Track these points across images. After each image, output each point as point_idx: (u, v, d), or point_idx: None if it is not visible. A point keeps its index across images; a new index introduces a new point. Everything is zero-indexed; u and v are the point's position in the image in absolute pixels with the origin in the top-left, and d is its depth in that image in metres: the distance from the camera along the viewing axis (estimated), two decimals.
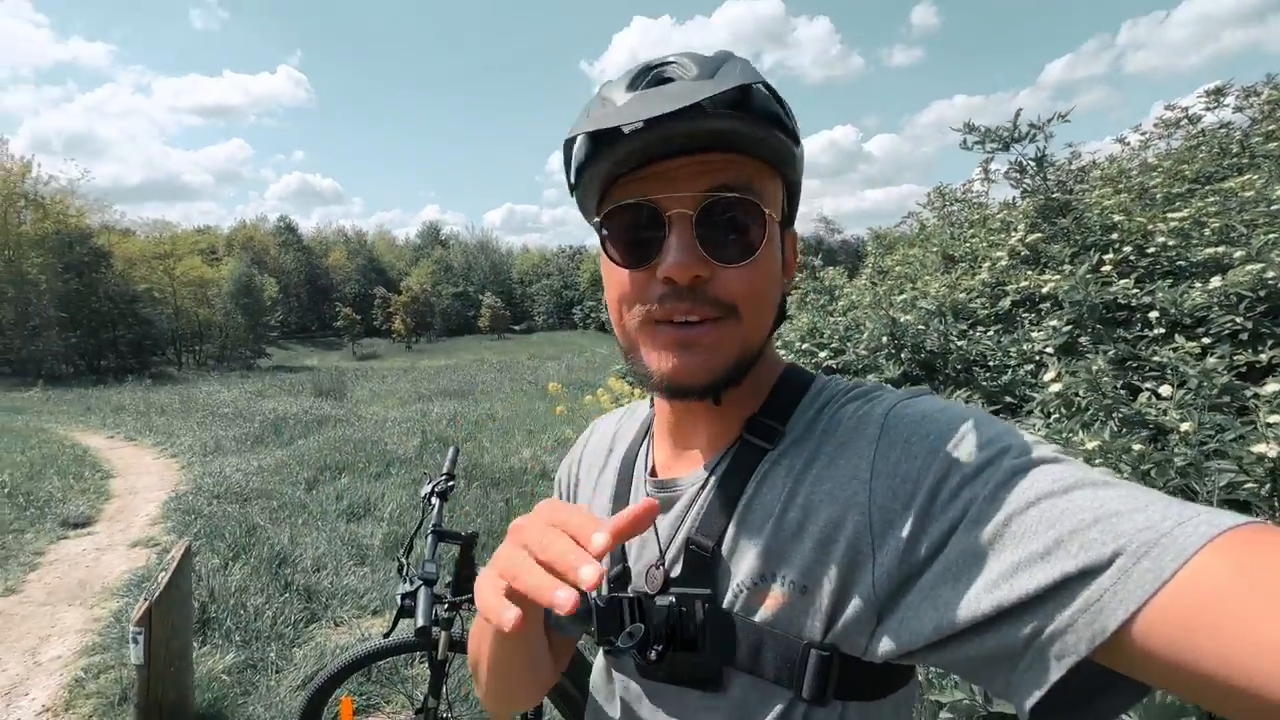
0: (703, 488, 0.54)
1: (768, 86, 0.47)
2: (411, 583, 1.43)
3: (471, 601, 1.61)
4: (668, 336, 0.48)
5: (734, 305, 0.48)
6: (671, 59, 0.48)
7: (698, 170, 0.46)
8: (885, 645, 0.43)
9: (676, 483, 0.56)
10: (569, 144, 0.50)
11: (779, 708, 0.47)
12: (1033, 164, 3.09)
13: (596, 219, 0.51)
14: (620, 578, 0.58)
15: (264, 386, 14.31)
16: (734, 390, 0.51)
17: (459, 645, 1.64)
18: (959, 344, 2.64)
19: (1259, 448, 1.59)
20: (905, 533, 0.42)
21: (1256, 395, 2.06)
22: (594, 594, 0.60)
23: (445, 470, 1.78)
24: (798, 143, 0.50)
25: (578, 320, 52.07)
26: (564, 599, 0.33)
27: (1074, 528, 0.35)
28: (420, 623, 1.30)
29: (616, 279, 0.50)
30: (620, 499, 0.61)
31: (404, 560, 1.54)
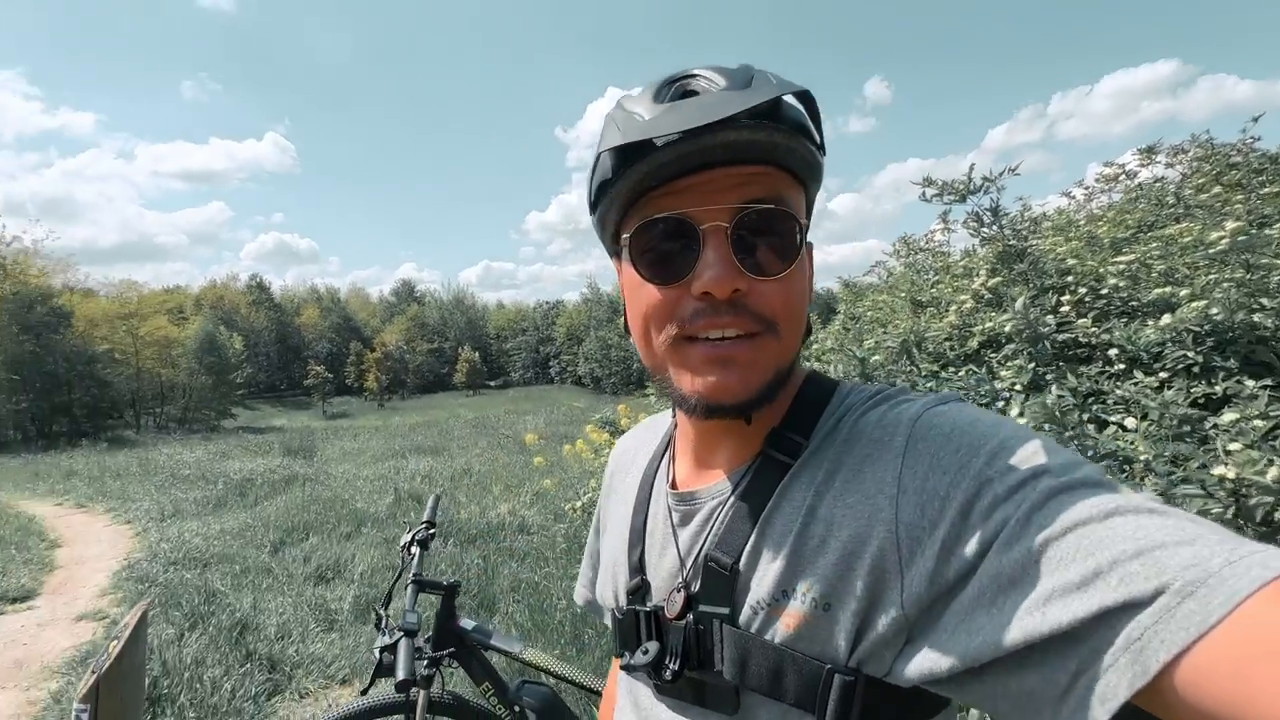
0: (723, 503, 0.52)
1: (804, 95, 0.46)
2: (391, 635, 1.36)
3: (453, 655, 1.54)
4: (703, 354, 0.46)
5: (773, 320, 0.47)
6: (695, 72, 0.47)
7: (731, 183, 0.45)
8: (912, 668, 0.41)
9: (697, 495, 0.55)
10: (596, 160, 0.49)
11: None
12: (988, 214, 3.28)
13: (626, 235, 0.49)
14: (638, 590, 0.56)
15: (229, 447, 13.78)
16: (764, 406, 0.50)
17: (439, 707, 1.56)
18: (927, 385, 2.72)
19: (1219, 470, 1.65)
20: (934, 553, 0.40)
21: (1215, 425, 2.16)
22: (614, 606, 0.60)
23: (426, 518, 1.73)
24: (824, 152, 0.49)
25: (554, 374, 51.84)
26: None
27: (1115, 558, 0.33)
28: (401, 675, 1.23)
29: (644, 297, 0.48)
30: (640, 510, 0.60)
31: (382, 612, 1.47)
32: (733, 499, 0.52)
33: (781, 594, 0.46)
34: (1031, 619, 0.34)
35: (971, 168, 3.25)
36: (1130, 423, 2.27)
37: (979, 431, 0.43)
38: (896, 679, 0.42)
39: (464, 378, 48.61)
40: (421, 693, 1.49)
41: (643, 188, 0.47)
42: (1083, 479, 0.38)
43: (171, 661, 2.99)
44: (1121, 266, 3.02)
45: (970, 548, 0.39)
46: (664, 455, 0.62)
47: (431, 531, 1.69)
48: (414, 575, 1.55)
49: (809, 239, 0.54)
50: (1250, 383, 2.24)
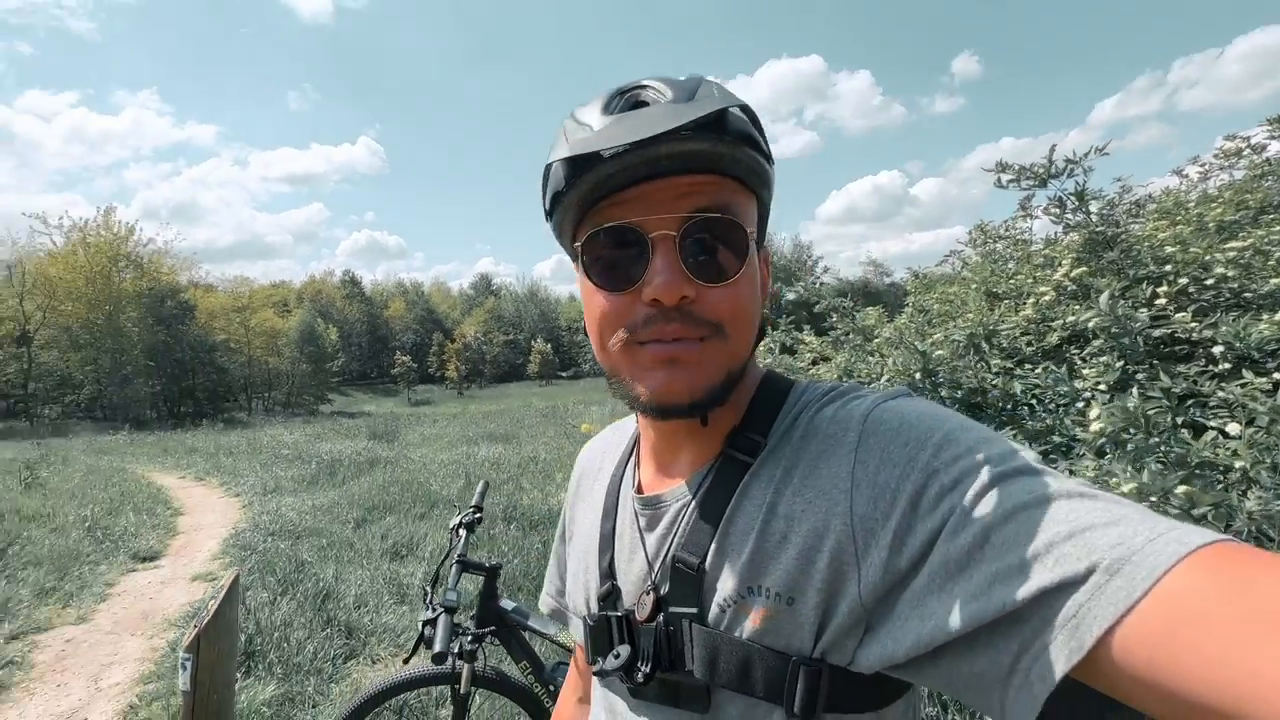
0: (687, 505, 0.53)
1: (745, 108, 0.48)
2: (434, 610, 1.46)
3: (494, 634, 1.62)
4: (654, 354, 0.48)
5: (720, 324, 0.48)
6: (644, 82, 0.49)
7: (678, 192, 0.47)
8: (872, 656, 0.42)
9: (661, 499, 0.56)
10: (547, 170, 0.51)
11: None
12: (1073, 199, 3.02)
13: (576, 244, 0.50)
14: (609, 595, 0.57)
15: (323, 430, 14.97)
16: (718, 408, 0.50)
17: (482, 680, 1.65)
18: (994, 381, 2.55)
19: None
20: (887, 544, 0.42)
21: None
22: (585, 613, 0.61)
23: (474, 503, 1.83)
24: (771, 161, 0.50)
25: None
26: None
27: (1050, 541, 0.35)
28: (437, 648, 1.32)
29: (598, 303, 0.50)
30: (609, 516, 0.61)
31: (429, 589, 1.58)
32: (696, 500, 0.52)
33: (747, 590, 0.47)
34: (978, 603, 0.36)
35: (1053, 149, 3.00)
36: (1234, 428, 2.03)
37: (925, 425, 0.44)
38: (859, 667, 0.43)
39: (537, 368, 50.15)
40: (466, 666, 1.59)
41: (593, 197, 0.48)
42: (1021, 467, 0.40)
43: (265, 622, 3.33)
44: (1233, 254, 2.69)
45: (920, 537, 0.40)
46: (629, 460, 0.63)
47: (479, 516, 1.79)
48: (459, 556, 1.65)
49: (765, 246, 0.54)
50: None
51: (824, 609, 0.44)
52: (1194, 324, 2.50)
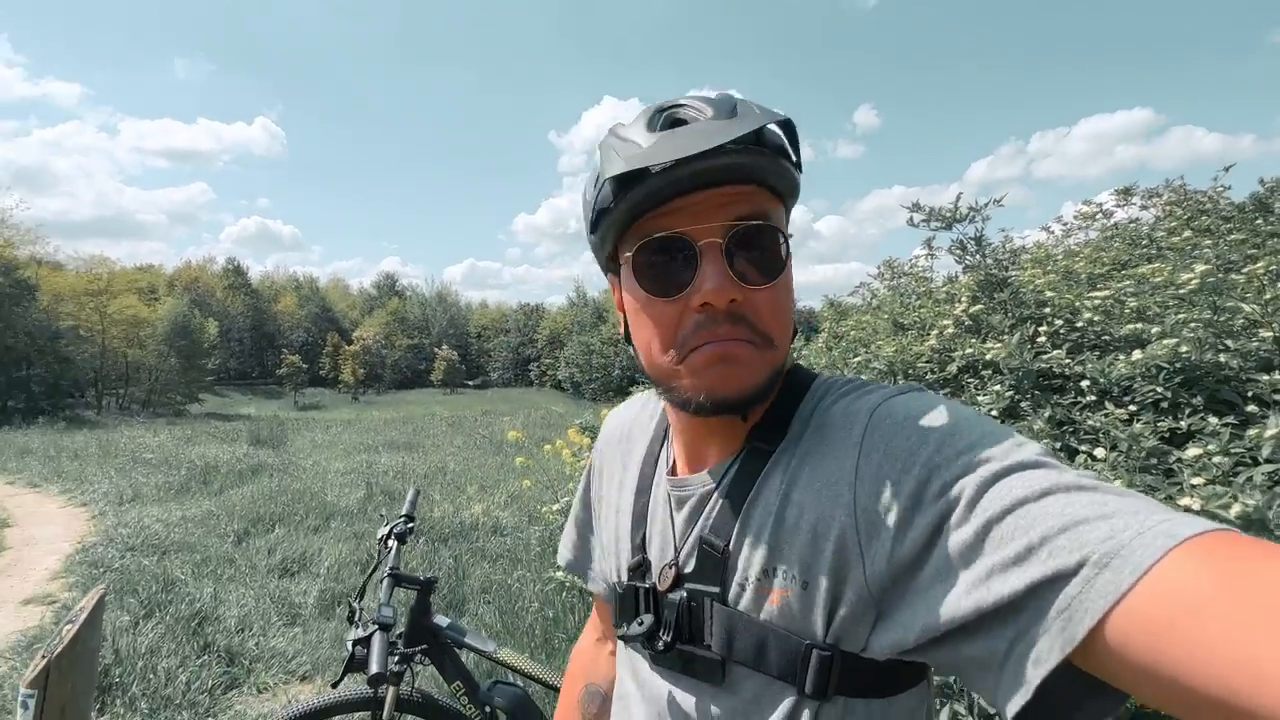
0: (715, 489, 0.56)
1: (784, 124, 0.51)
2: (365, 628, 1.34)
3: (426, 653, 1.52)
4: (706, 355, 0.50)
5: (768, 334, 0.51)
6: (682, 101, 0.52)
7: (721, 202, 0.50)
8: (885, 642, 0.44)
9: (690, 483, 0.59)
10: (594, 187, 0.53)
11: (786, 704, 0.49)
12: (972, 242, 3.36)
13: (627, 253, 0.53)
14: (639, 567, 0.60)
15: (194, 433, 13.41)
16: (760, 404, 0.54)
17: (407, 704, 1.53)
18: None
19: (1184, 501, 1.71)
20: (890, 535, 0.44)
21: (1180, 459, 2.23)
22: (615, 581, 0.64)
23: (404, 512, 1.71)
24: (801, 170, 0.53)
25: (534, 377, 51.43)
26: None
27: (1045, 534, 0.36)
28: (374, 669, 1.21)
29: (649, 312, 0.52)
30: (642, 493, 0.64)
31: (356, 605, 1.45)
32: (723, 485, 0.55)
33: (765, 573, 0.50)
34: (978, 593, 0.38)
35: (959, 196, 3.33)
36: (1100, 453, 2.33)
37: (930, 421, 0.46)
38: (872, 653, 0.46)
39: (441, 375, 48.05)
40: (391, 689, 1.47)
41: (639, 210, 0.51)
42: (1022, 461, 0.41)
43: (125, 650, 2.89)
44: (1097, 301, 3.11)
45: (922, 530, 0.42)
46: (663, 441, 0.66)
47: (410, 525, 1.67)
48: (390, 569, 1.53)
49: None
50: (1214, 420, 2.32)
51: (834, 595, 0.46)
52: (1068, 360, 2.86)
